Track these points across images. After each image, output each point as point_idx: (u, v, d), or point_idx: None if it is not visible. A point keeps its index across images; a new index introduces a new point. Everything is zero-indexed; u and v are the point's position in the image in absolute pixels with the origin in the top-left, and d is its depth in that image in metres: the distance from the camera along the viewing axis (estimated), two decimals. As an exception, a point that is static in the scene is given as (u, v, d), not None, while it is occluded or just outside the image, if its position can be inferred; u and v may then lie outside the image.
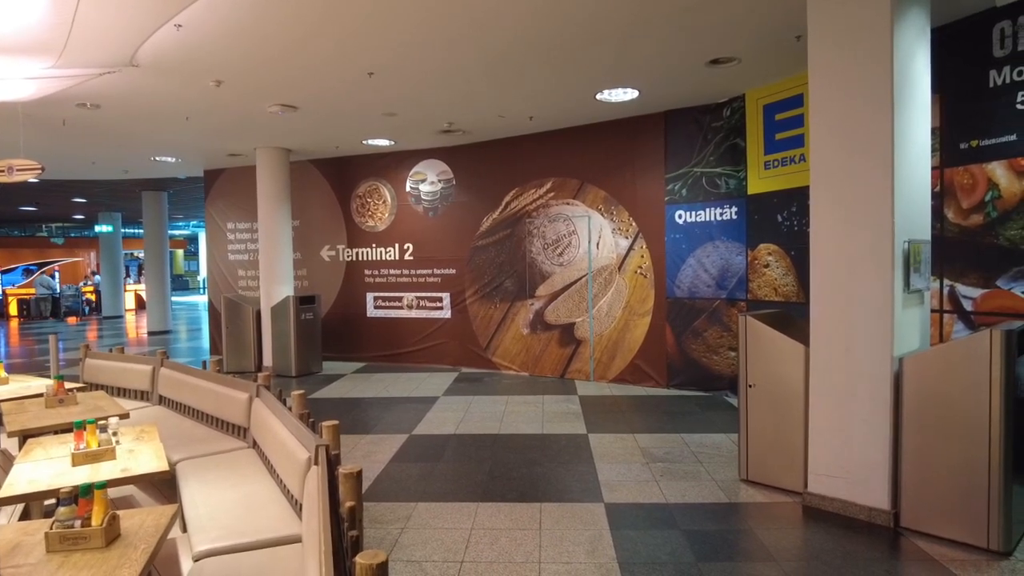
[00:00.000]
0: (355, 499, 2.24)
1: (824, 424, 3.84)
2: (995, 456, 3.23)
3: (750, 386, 4.26)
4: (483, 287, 9.07)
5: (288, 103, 6.78)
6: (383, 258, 9.98)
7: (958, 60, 4.72)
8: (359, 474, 2.30)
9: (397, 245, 9.87)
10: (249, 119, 7.46)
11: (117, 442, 3.31)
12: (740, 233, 6.96)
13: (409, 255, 9.81)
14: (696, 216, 7.30)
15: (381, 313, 10.01)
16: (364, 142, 9.03)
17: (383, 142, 9.04)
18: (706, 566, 3.22)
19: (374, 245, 10.06)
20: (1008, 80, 4.49)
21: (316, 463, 2.56)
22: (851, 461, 3.74)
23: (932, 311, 4.87)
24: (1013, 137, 4.47)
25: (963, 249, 4.76)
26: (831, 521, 3.72)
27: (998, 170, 4.55)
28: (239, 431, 4.26)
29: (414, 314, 9.75)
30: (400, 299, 9.86)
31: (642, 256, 7.71)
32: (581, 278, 8.16)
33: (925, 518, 3.49)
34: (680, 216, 7.42)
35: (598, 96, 6.72)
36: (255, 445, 3.95)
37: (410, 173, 9.69)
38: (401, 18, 4.59)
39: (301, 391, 3.53)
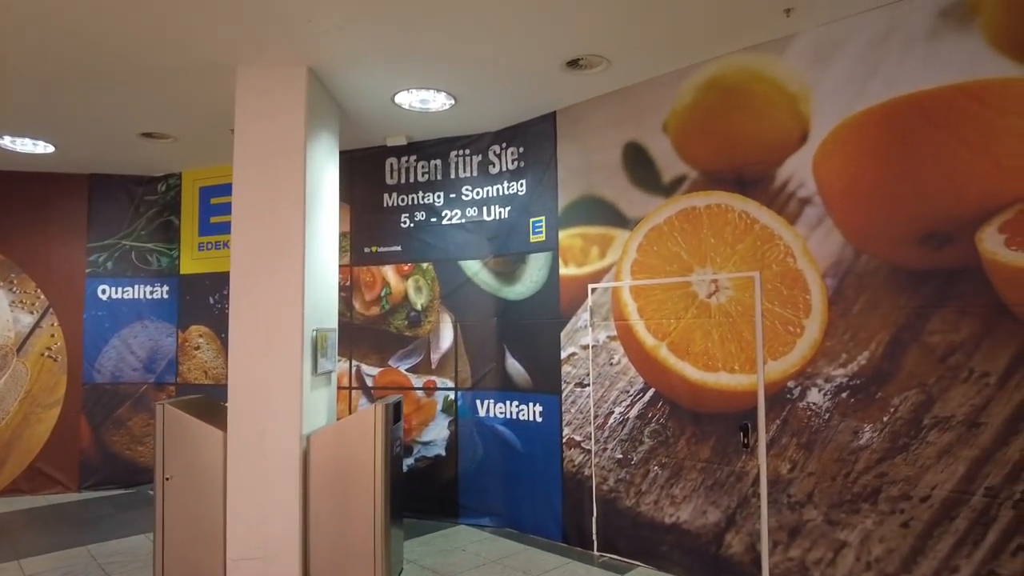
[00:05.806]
0: None
1: (241, 508, 3.90)
2: (379, 506, 3.87)
3: (167, 479, 4.02)
4: None
5: None
6: None
7: (363, 180, 5.77)
8: None
9: None
10: None
11: None
12: (171, 313, 6.66)
13: None
14: (124, 292, 6.65)
15: None
16: None
17: None
18: None
19: None
20: (396, 204, 5.71)
21: None
22: (267, 540, 3.89)
23: (342, 388, 5.64)
24: (399, 248, 5.68)
25: (367, 334, 5.71)
26: (246, 605, 3.76)
27: (390, 272, 5.69)
28: None
29: None
30: None
31: (52, 335, 6.52)
32: (-43, 363, 6.33)
33: (328, 578, 3.90)
34: (104, 291, 6.63)
35: (-6, 141, 5.56)
36: None
37: None
38: None
39: None
